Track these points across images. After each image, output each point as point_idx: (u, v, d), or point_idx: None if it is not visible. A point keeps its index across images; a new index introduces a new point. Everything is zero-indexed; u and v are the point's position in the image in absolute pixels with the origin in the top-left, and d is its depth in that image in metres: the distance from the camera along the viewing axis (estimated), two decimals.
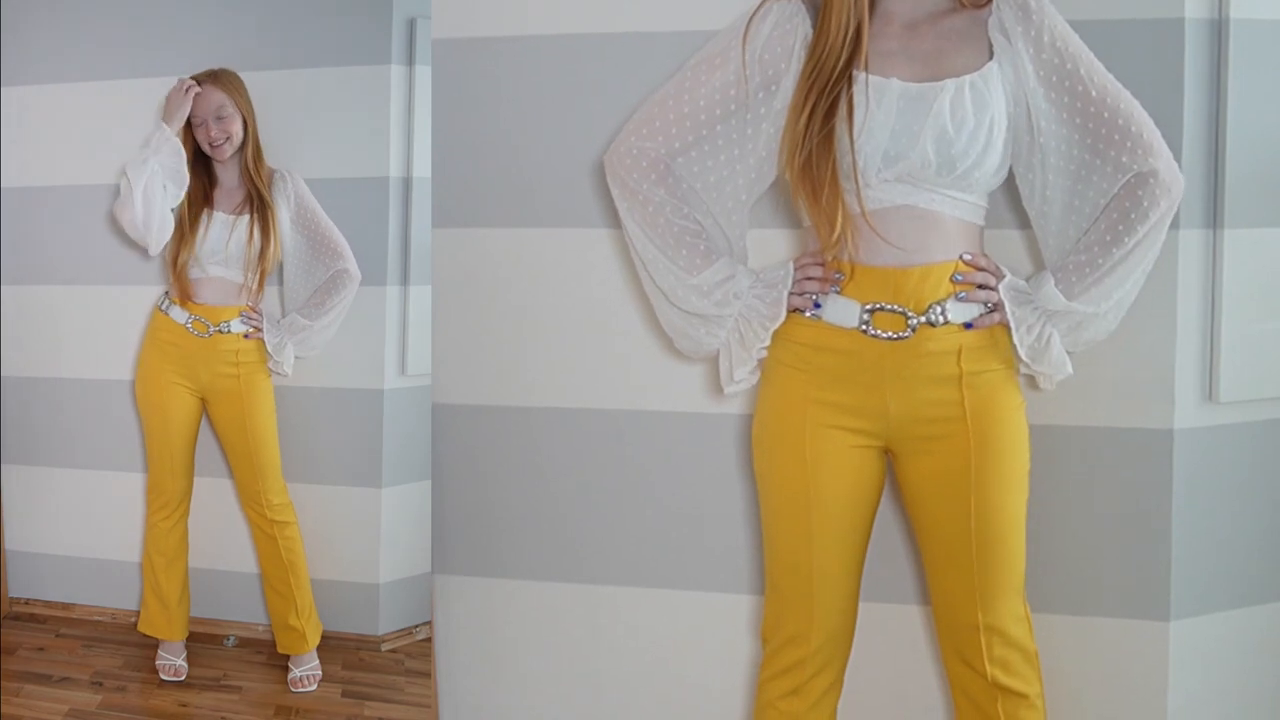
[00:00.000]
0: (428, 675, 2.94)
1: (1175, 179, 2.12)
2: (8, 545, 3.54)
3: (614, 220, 2.46)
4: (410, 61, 3.11)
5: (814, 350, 2.20)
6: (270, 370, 3.21)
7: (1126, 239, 2.12)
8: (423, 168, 3.07)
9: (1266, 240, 2.37)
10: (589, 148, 2.54)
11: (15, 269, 3.41)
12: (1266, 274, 2.38)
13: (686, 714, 2.67)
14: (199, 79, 3.10)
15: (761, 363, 2.30)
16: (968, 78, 2.11)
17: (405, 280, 3.18)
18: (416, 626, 3.31)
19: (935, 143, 2.08)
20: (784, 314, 2.22)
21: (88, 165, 3.35)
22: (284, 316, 3.22)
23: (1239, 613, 2.46)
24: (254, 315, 3.17)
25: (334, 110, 3.20)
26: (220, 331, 3.15)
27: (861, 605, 2.27)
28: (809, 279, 2.20)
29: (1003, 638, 2.17)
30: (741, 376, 2.31)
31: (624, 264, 2.55)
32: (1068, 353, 2.21)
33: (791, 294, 2.22)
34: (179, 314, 3.15)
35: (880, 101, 2.10)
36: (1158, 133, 2.12)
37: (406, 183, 3.15)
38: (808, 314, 2.20)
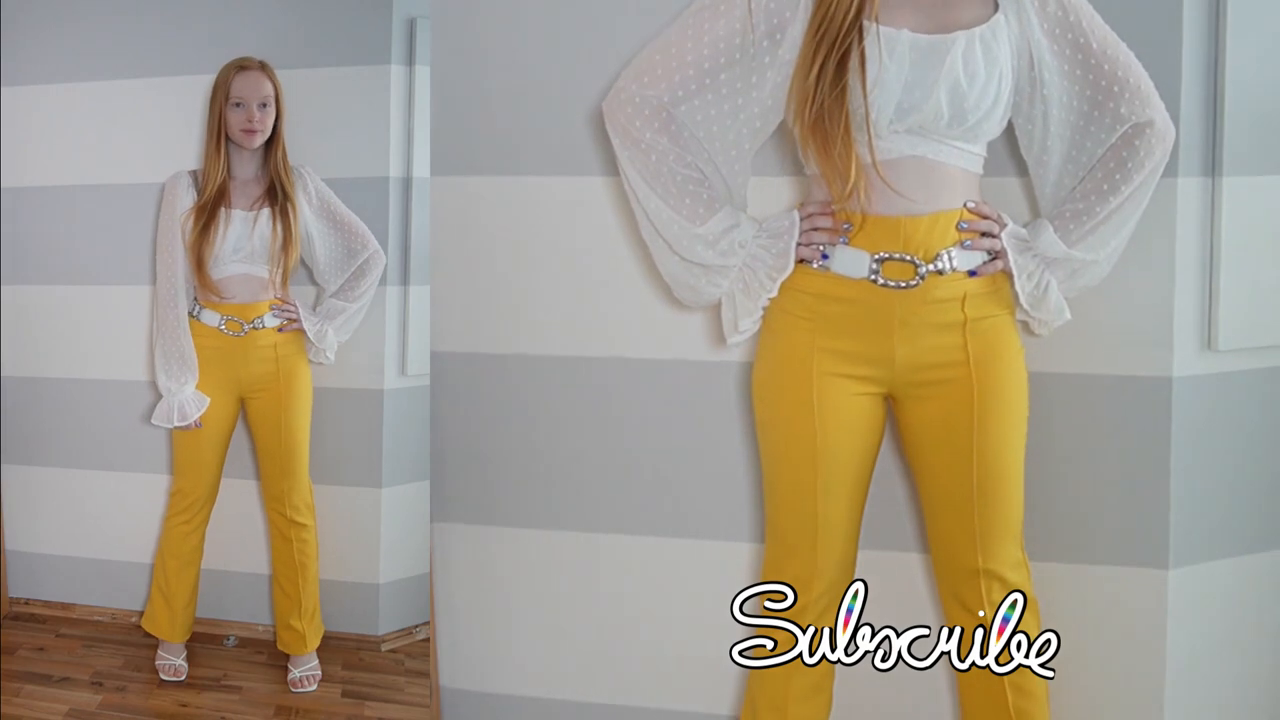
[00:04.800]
0: (427, 675, 2.92)
1: (1169, 128, 2.17)
2: (8, 545, 3.55)
3: (612, 168, 2.45)
4: (410, 61, 3.13)
5: (820, 299, 2.20)
6: (311, 360, 3.20)
7: (1123, 187, 2.16)
8: (422, 168, 3.08)
9: (1265, 188, 2.36)
10: (588, 95, 2.51)
11: (15, 269, 3.43)
12: (1265, 222, 2.38)
13: (685, 662, 2.64)
14: (250, 63, 3.10)
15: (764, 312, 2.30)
16: (977, 30, 2.11)
17: (405, 280, 3.19)
18: (416, 626, 3.31)
19: (949, 95, 2.08)
20: (792, 265, 2.22)
21: (88, 165, 3.38)
22: (318, 304, 3.22)
23: (1238, 560, 2.45)
24: (285, 307, 3.16)
25: (334, 111, 3.22)
26: (254, 328, 3.13)
27: (861, 552, 2.26)
28: (817, 229, 2.20)
29: (1001, 582, 2.16)
30: (746, 326, 2.30)
31: (622, 212, 2.53)
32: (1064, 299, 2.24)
33: (799, 245, 2.21)
34: (211, 317, 3.12)
35: (892, 53, 2.09)
36: (1151, 83, 2.16)
37: (406, 183, 3.17)
38: (815, 265, 2.20)
